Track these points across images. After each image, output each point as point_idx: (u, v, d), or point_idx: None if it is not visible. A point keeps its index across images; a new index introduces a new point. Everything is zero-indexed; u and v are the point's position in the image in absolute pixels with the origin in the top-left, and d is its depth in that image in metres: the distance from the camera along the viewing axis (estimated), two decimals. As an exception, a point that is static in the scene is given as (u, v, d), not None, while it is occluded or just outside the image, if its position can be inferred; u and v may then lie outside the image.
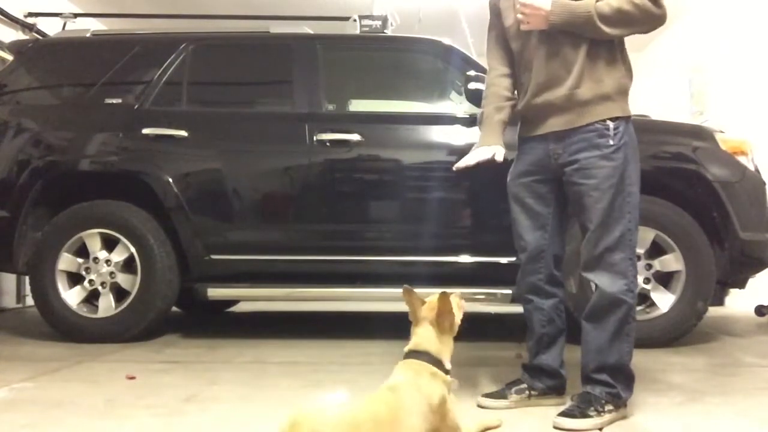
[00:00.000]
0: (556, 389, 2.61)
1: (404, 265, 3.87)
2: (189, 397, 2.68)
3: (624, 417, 2.41)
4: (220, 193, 4.00)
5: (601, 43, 2.37)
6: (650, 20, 2.35)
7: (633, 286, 2.38)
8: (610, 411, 2.35)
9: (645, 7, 2.31)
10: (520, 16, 2.41)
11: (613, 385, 2.37)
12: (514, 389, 2.59)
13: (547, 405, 2.54)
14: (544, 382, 2.60)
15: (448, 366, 2.01)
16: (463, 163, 2.58)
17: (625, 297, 2.36)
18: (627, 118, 2.41)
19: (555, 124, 2.44)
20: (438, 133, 4.03)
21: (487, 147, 2.54)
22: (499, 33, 2.61)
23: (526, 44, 2.48)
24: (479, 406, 2.57)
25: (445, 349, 2.02)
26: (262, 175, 4.06)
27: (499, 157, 2.52)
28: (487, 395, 2.60)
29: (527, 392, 2.58)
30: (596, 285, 2.40)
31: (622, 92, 2.42)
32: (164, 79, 4.14)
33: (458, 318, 2.10)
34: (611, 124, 2.37)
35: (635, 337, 2.44)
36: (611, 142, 2.35)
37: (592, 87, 2.38)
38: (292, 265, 3.96)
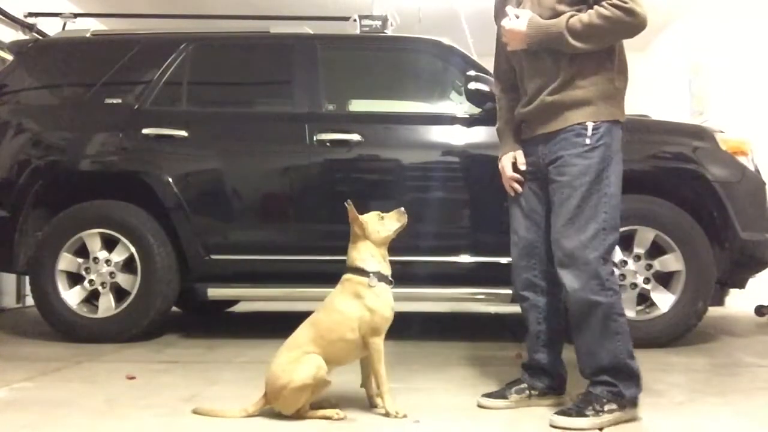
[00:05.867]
0: (556, 389, 2.61)
1: (404, 265, 3.87)
2: (189, 397, 2.68)
3: (633, 418, 2.37)
4: (220, 193, 4.00)
5: (585, 53, 2.39)
6: (624, 30, 2.36)
7: (609, 284, 2.35)
8: (612, 411, 2.32)
9: (616, 18, 2.31)
10: (504, 39, 2.53)
11: (614, 384, 2.35)
12: (514, 389, 2.59)
13: (548, 405, 2.54)
14: (544, 382, 2.59)
15: (369, 267, 2.47)
16: (512, 181, 2.61)
17: (598, 297, 2.33)
18: (613, 122, 2.41)
19: (542, 128, 2.50)
20: (438, 133, 4.03)
21: (506, 155, 2.64)
22: (501, 47, 2.67)
23: (518, 58, 2.58)
24: (479, 406, 2.57)
25: (360, 254, 2.49)
26: (262, 175, 4.06)
27: (522, 165, 2.59)
28: (487, 395, 2.60)
29: (527, 392, 2.58)
30: (565, 285, 2.38)
31: (608, 96, 2.42)
32: (164, 79, 4.14)
33: (384, 230, 2.51)
34: (590, 125, 2.39)
35: (634, 336, 2.42)
36: (587, 141, 2.38)
37: (573, 94, 2.41)
38: (292, 265, 3.96)
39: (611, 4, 2.31)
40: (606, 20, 2.31)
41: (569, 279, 2.37)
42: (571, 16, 2.36)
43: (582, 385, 2.48)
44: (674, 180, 3.83)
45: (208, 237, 3.97)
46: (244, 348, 3.80)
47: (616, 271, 3.49)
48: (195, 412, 2.44)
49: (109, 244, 3.96)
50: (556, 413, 2.34)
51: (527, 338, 2.65)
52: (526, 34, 2.43)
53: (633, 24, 2.33)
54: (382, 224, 2.53)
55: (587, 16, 2.34)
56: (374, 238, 2.50)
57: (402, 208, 2.56)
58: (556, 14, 2.39)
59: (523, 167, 2.59)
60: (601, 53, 2.40)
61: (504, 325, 5.07)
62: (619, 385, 2.35)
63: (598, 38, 2.36)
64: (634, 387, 2.39)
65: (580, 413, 2.31)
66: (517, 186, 2.61)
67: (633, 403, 2.39)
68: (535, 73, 2.50)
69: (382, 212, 2.57)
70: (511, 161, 2.62)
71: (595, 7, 2.34)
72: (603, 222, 2.36)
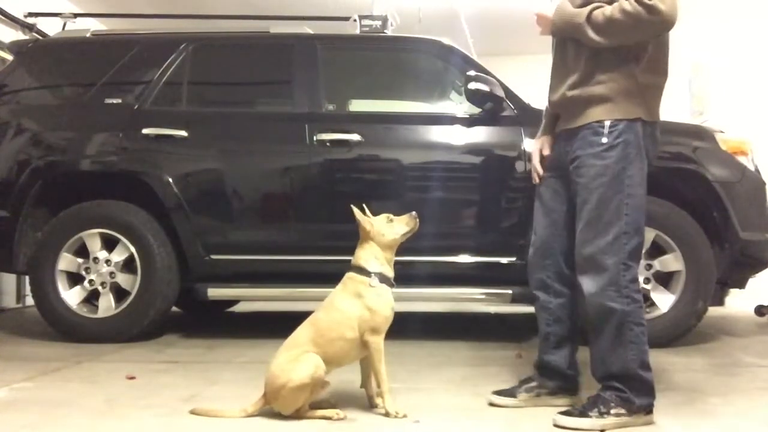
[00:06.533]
0: (568, 389, 2.57)
1: (404, 265, 3.86)
2: (189, 397, 2.68)
3: (649, 422, 2.33)
4: (220, 193, 4.00)
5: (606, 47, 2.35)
6: (646, 28, 2.27)
7: (628, 292, 2.30)
8: (618, 414, 2.29)
9: (636, 14, 2.22)
10: (536, 23, 2.51)
11: (623, 390, 2.32)
12: (524, 387, 2.58)
13: (558, 405, 2.49)
14: (555, 381, 2.57)
15: (371, 268, 2.49)
16: (536, 170, 2.64)
17: (614, 304, 2.29)
18: (633, 120, 2.34)
19: (564, 123, 2.49)
20: (438, 133, 4.03)
21: (536, 140, 2.67)
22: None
23: (552, 49, 2.56)
24: (490, 403, 2.57)
25: (365, 255, 2.51)
26: (262, 175, 4.06)
27: (546, 151, 2.60)
28: (497, 392, 2.59)
29: (537, 391, 2.57)
30: (583, 290, 2.36)
31: (628, 93, 2.35)
32: (164, 79, 4.14)
33: (390, 233, 2.52)
34: (608, 123, 2.33)
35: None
36: (604, 140, 2.33)
37: (594, 89, 2.36)
38: (292, 265, 3.96)
39: (635, 0, 2.21)
40: (627, 16, 2.23)
41: (587, 283, 2.34)
42: (597, 8, 2.29)
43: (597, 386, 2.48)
44: (674, 180, 3.83)
45: (208, 237, 3.97)
46: (244, 348, 3.80)
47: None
48: (193, 412, 2.44)
49: (109, 244, 3.96)
50: (559, 413, 2.34)
51: (538, 338, 2.63)
52: (551, 21, 2.41)
53: (655, 22, 2.23)
54: (389, 227, 2.53)
55: (610, 9, 2.26)
56: (378, 241, 2.52)
57: (414, 213, 2.56)
58: (587, 3, 2.33)
59: (546, 152, 2.60)
60: (627, 47, 2.33)
61: (504, 325, 5.07)
62: (628, 392, 2.31)
63: (619, 34, 2.28)
64: (646, 396, 2.34)
65: (584, 414, 2.30)
66: (535, 175, 2.62)
67: (645, 410, 2.34)
68: (559, 63, 2.48)
69: (392, 214, 2.57)
70: (539, 147, 2.62)
71: (620, 0, 2.25)
72: (625, 225, 2.30)
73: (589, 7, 2.31)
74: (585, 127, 2.38)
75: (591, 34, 2.30)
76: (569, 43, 2.44)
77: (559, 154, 2.52)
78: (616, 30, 2.28)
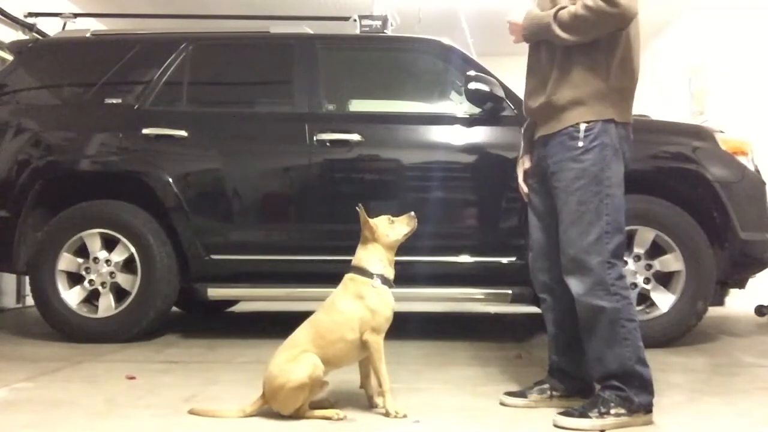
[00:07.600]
0: (581, 391, 2.54)
1: (404, 265, 3.87)
2: (189, 397, 2.68)
3: (648, 422, 2.32)
4: (220, 193, 4.00)
5: (578, 49, 2.38)
6: (607, 21, 2.30)
7: (616, 290, 2.31)
8: (618, 414, 2.29)
9: (597, 7, 2.27)
10: (509, 32, 2.56)
11: (622, 389, 2.31)
12: (536, 389, 2.59)
13: (569, 407, 2.44)
14: (566, 384, 2.57)
15: (373, 269, 2.50)
16: (522, 189, 2.73)
17: (602, 303, 2.31)
18: (607, 121, 2.37)
19: (542, 129, 2.53)
20: (438, 133, 4.03)
21: (522, 158, 2.73)
22: None
23: (528, 56, 2.59)
24: (501, 404, 2.57)
25: (367, 256, 2.53)
26: (262, 175, 4.06)
27: (526, 164, 2.70)
28: (509, 393, 2.60)
29: (549, 392, 2.57)
30: (572, 291, 2.37)
31: (600, 95, 2.38)
32: (164, 79, 4.14)
33: (393, 234, 2.56)
34: (583, 126, 2.37)
35: None
36: (580, 144, 2.36)
37: (567, 93, 2.40)
38: (292, 265, 3.96)
39: None
40: (589, 11, 2.29)
41: (574, 284, 2.36)
42: (563, 8, 2.36)
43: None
44: (674, 180, 3.83)
45: (208, 237, 3.97)
46: (244, 348, 3.80)
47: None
48: (191, 412, 2.44)
49: (109, 244, 3.97)
50: (559, 413, 2.34)
51: (548, 340, 2.64)
52: (522, 26, 2.47)
53: (615, 14, 2.28)
54: (392, 228, 2.58)
55: (575, 7, 2.32)
56: (383, 242, 2.55)
57: (412, 213, 2.60)
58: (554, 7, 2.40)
59: (527, 165, 2.68)
60: (597, 50, 2.37)
61: (504, 325, 5.07)
62: (628, 391, 2.31)
63: (584, 30, 2.33)
64: (645, 393, 2.34)
65: (584, 414, 2.30)
66: (522, 193, 2.70)
67: (645, 409, 2.34)
68: (533, 68, 2.53)
69: (392, 215, 2.60)
70: (522, 166, 2.70)
71: None
72: (606, 225, 2.33)
73: (555, 8, 2.38)
74: (561, 133, 2.42)
75: (558, 31, 2.35)
76: (542, 47, 2.48)
77: (539, 160, 2.56)
78: (581, 24, 2.32)
